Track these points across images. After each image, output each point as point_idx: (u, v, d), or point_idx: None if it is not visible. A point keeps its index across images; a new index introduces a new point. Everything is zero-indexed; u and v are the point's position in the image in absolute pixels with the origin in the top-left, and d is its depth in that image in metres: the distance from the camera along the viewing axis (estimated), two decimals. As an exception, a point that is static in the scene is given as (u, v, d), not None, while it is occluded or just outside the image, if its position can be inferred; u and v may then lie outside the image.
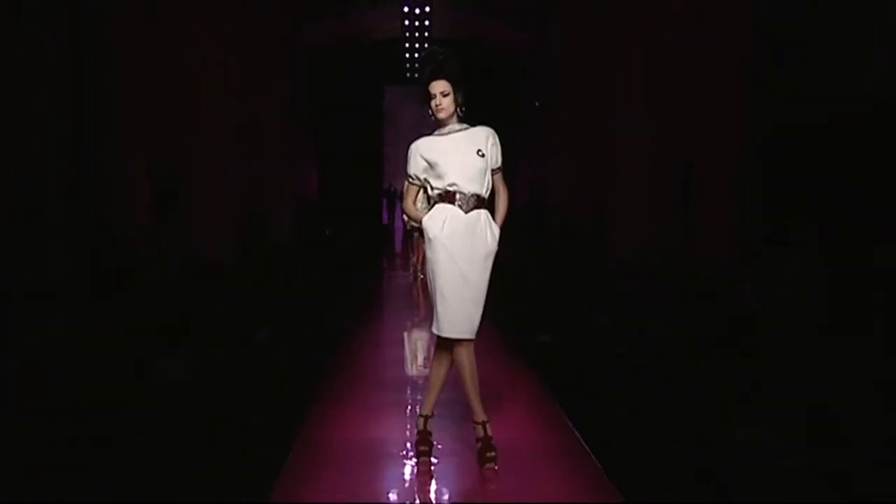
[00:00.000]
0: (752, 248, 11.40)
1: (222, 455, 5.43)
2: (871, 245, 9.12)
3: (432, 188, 5.29)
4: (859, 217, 9.48)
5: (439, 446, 5.51)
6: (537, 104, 19.03)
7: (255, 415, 6.30)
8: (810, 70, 11.15)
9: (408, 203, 5.53)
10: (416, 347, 9.31)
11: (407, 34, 26.94)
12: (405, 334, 10.15)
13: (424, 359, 8.37)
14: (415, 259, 15.19)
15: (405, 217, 14.24)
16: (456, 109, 5.28)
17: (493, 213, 5.36)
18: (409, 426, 6.04)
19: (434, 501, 4.86)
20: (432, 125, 5.37)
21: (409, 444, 5.61)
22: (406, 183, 5.47)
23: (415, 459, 5.31)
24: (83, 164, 11.28)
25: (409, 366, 8.39)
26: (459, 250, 5.17)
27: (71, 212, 10.73)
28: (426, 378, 6.30)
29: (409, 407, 6.69)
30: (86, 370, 7.43)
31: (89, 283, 10.53)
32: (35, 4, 10.38)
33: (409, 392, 7.30)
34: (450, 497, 4.91)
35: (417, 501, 4.81)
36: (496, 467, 5.12)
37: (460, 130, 5.32)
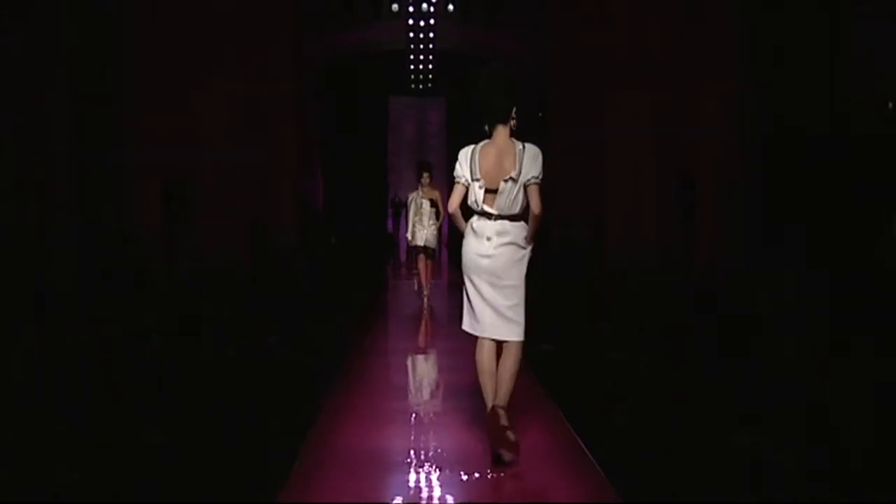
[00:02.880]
0: (752, 252, 11.43)
1: (230, 459, 5.45)
2: (867, 247, 9.21)
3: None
4: (856, 220, 9.56)
5: (443, 454, 5.60)
6: (540, 115, 18.82)
7: (263, 419, 6.30)
8: (808, 76, 11.24)
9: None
10: (422, 369, 9.10)
11: (411, 46, 27.11)
12: (411, 353, 9.92)
13: (431, 382, 8.28)
14: (424, 282, 13.12)
15: (409, 236, 13.07)
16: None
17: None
18: (412, 434, 6.15)
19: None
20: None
21: (412, 452, 5.66)
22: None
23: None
24: (92, 168, 11.23)
25: (415, 390, 8.17)
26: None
27: (80, 214, 10.73)
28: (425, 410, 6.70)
29: (414, 415, 6.74)
30: (92, 370, 7.42)
31: (99, 285, 10.48)
32: (47, 9, 10.36)
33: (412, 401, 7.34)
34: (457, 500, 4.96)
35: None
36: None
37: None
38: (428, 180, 12.83)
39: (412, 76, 29.65)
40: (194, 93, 13.66)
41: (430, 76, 29.61)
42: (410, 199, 13.04)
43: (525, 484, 5.13)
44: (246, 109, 14.49)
